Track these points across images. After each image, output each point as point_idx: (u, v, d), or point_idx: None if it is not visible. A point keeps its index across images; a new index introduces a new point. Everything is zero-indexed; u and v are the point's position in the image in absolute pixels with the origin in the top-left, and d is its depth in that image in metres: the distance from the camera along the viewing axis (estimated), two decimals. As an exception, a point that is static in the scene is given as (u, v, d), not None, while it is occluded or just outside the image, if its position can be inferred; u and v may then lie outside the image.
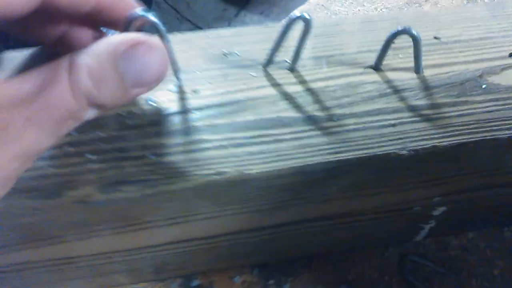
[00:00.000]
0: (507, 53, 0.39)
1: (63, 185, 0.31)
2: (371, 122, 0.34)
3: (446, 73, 0.37)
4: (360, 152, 0.33)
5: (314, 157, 0.33)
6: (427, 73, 0.37)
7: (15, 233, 0.34)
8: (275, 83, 0.36)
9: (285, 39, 0.36)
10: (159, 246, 0.40)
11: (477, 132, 0.34)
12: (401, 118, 0.35)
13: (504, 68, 0.37)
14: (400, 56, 0.39)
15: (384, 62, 0.38)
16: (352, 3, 0.67)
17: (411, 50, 0.36)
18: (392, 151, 0.33)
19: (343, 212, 0.38)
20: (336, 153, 0.33)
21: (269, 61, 0.37)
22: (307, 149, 0.33)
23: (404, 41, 0.39)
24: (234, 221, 0.38)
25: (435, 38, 0.40)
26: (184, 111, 0.34)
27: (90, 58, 0.24)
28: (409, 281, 0.45)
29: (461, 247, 0.47)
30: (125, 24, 0.29)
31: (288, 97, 0.35)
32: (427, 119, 0.35)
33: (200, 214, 0.36)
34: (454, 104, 0.35)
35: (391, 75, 0.37)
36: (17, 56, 0.36)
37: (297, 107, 0.35)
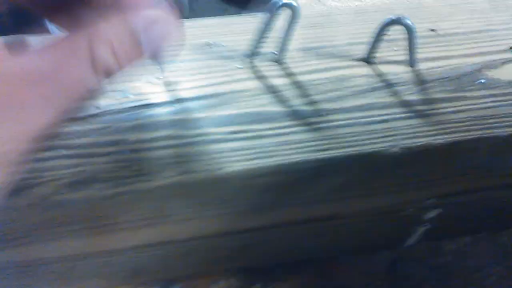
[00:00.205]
0: (507, 47, 0.36)
1: (30, 181, 0.29)
2: (361, 117, 0.32)
3: (442, 66, 0.35)
4: (349, 149, 0.31)
5: (300, 154, 0.30)
6: (422, 66, 0.35)
7: (-24, 234, 0.32)
8: (260, 75, 0.34)
9: (270, 28, 0.33)
10: (135, 248, 0.37)
11: (474, 130, 0.31)
12: (393, 113, 0.32)
13: (504, 62, 0.35)
14: (394, 48, 0.36)
15: (377, 55, 0.35)
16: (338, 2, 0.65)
17: (406, 43, 0.34)
18: (383, 148, 0.31)
19: (330, 214, 0.35)
20: (323, 150, 0.30)
21: (254, 52, 0.35)
22: (292, 146, 0.31)
23: (398, 33, 0.37)
24: (214, 223, 0.35)
25: (431, 30, 0.38)
26: (163, 104, 0.32)
27: (112, 32, 0.23)
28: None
29: (456, 252, 0.45)
30: None
31: (273, 90, 0.33)
32: (420, 115, 0.32)
33: (177, 215, 0.34)
34: (450, 99, 0.33)
35: (383, 68, 0.35)
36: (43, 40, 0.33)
37: (282, 101, 0.33)
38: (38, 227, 0.32)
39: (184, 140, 0.30)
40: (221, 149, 0.30)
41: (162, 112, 0.32)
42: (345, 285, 0.41)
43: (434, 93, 0.34)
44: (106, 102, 0.31)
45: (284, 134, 0.31)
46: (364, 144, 0.31)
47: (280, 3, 0.32)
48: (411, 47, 0.34)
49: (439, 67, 0.35)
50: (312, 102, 0.33)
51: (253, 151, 0.30)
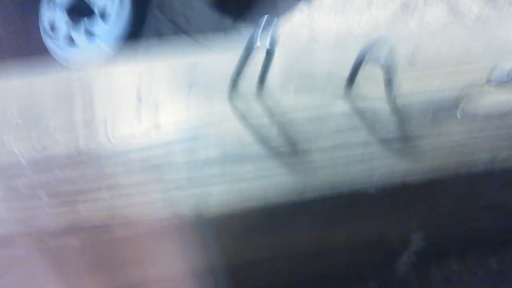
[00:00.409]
0: (485, 79, 0.37)
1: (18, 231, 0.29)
2: (339, 157, 0.32)
3: (419, 102, 0.35)
4: (327, 191, 0.31)
5: (278, 197, 0.31)
6: (399, 101, 0.35)
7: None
8: (240, 115, 0.34)
9: (247, 66, 0.34)
10: None
11: (450, 168, 0.32)
12: (370, 152, 0.33)
13: (481, 94, 0.35)
14: (372, 83, 0.37)
15: (355, 90, 0.36)
16: (336, 16, 0.65)
17: (383, 78, 0.34)
18: (360, 188, 0.31)
19: (314, 247, 0.36)
20: (301, 193, 0.31)
21: (233, 90, 0.35)
22: (271, 190, 0.31)
23: (376, 67, 0.37)
24: (198, 261, 0.36)
25: (409, 64, 0.38)
26: (144, 148, 0.32)
27: None
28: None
29: (445, 278, 0.45)
30: None
31: (253, 130, 0.34)
32: (397, 153, 0.33)
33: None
34: (427, 136, 0.33)
35: (361, 104, 0.35)
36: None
37: (262, 141, 0.33)
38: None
39: (165, 185, 0.31)
40: (201, 193, 0.31)
41: (143, 157, 0.32)
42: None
43: (411, 130, 0.34)
44: (88, 146, 0.32)
45: (263, 177, 0.31)
46: (341, 185, 0.31)
47: (255, 45, 0.32)
48: (388, 85, 0.34)
49: (416, 102, 0.35)
50: (291, 143, 0.33)
51: (232, 195, 0.31)
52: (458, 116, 0.34)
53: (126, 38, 2.04)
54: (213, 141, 0.33)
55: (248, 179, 0.31)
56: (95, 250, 0.31)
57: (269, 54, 0.32)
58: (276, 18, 0.33)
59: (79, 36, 1.98)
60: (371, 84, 0.37)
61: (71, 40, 1.98)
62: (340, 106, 0.35)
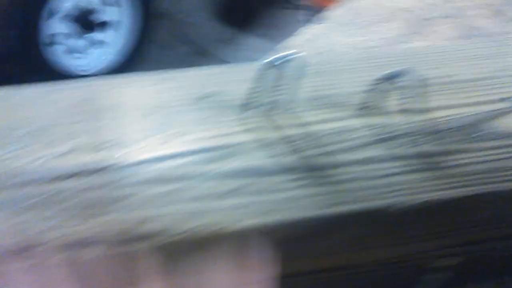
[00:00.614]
0: (507, 96, 0.36)
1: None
2: (361, 172, 0.32)
3: (442, 117, 0.35)
4: (352, 206, 0.30)
5: (301, 211, 0.30)
6: (421, 117, 0.35)
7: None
8: (262, 127, 0.34)
9: (263, 83, 0.34)
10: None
11: (474, 185, 0.31)
12: (394, 167, 0.32)
13: (505, 112, 0.35)
14: (395, 98, 0.36)
15: (378, 104, 0.35)
16: (343, 36, 0.65)
17: (406, 93, 0.34)
18: (383, 204, 0.31)
19: (337, 266, 0.35)
20: (325, 207, 0.30)
21: (250, 104, 0.35)
22: (293, 204, 0.30)
23: (400, 82, 0.37)
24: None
25: (426, 79, 0.38)
26: (158, 159, 0.32)
27: None
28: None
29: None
30: None
31: (275, 143, 0.33)
32: (420, 169, 0.32)
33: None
34: (450, 153, 0.33)
35: (384, 119, 0.35)
36: None
37: (284, 154, 0.32)
38: None
39: (180, 196, 0.30)
40: (222, 206, 0.30)
41: (157, 168, 0.31)
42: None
43: (433, 146, 0.33)
44: (103, 159, 0.31)
45: (284, 190, 0.31)
46: (366, 200, 0.30)
47: (269, 63, 0.32)
48: (411, 99, 0.34)
49: (438, 118, 0.35)
50: (314, 156, 0.32)
51: (254, 208, 0.30)
52: (482, 133, 0.34)
53: (131, 49, 2.06)
54: (230, 153, 0.32)
55: (265, 193, 0.31)
56: (115, 263, 0.30)
57: (281, 72, 0.32)
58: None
59: (84, 45, 1.99)
60: (395, 98, 0.36)
61: (75, 49, 1.98)
62: (364, 119, 0.35)
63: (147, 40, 2.10)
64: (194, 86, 0.37)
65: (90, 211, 0.29)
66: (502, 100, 0.36)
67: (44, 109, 0.35)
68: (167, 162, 0.32)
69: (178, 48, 2.17)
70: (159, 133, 0.33)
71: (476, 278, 0.43)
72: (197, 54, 2.07)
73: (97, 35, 2.01)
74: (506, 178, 0.32)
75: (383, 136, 0.34)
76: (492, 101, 0.36)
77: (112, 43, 2.04)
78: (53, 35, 1.89)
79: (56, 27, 1.90)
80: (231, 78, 0.38)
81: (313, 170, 0.31)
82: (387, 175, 0.31)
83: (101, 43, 2.04)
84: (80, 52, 1.99)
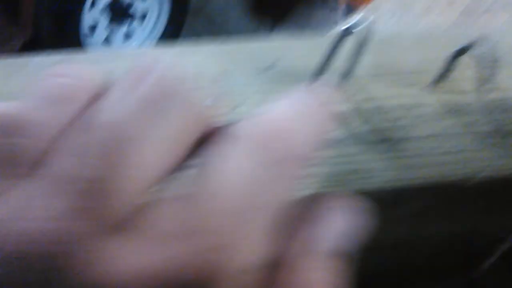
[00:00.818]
0: None
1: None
2: (431, 148, 0.31)
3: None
4: (421, 180, 0.29)
5: (368, 184, 0.29)
6: (491, 96, 0.34)
7: None
8: (325, 100, 0.33)
9: (336, 53, 0.33)
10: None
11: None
12: (464, 144, 0.31)
13: None
14: (461, 76, 0.35)
15: (443, 83, 0.34)
16: (397, 21, 0.64)
17: (474, 72, 0.33)
18: (455, 180, 0.30)
19: (397, 242, 0.34)
20: (393, 180, 0.29)
21: (317, 76, 0.34)
22: (360, 175, 0.30)
23: (465, 61, 0.36)
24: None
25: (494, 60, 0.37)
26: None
27: None
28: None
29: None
30: None
31: (340, 115, 0.32)
32: (492, 147, 0.31)
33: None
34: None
35: (451, 97, 0.34)
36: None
37: (347, 127, 0.32)
38: None
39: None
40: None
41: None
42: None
43: (505, 125, 0.32)
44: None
45: (351, 162, 0.30)
46: (435, 175, 0.30)
47: (348, 29, 0.31)
48: (480, 77, 0.33)
49: (508, 98, 0.34)
50: (379, 130, 0.32)
51: (318, 179, 0.29)
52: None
53: (167, 42, 2.08)
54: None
55: (338, 163, 0.30)
56: None
57: (363, 37, 0.31)
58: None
59: (117, 38, 2.03)
60: (465, 77, 0.35)
61: (109, 42, 2.02)
62: (430, 97, 0.34)
63: (182, 35, 2.12)
64: (259, 57, 0.36)
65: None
66: None
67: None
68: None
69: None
70: (225, 102, 0.33)
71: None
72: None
73: (134, 28, 2.04)
74: None
75: (456, 111, 0.33)
76: None
77: (148, 36, 2.07)
78: (93, 26, 1.93)
79: (96, 18, 1.94)
80: (293, 51, 0.37)
81: (384, 143, 0.31)
82: (460, 151, 0.30)
83: (138, 36, 2.07)
84: (117, 44, 2.02)
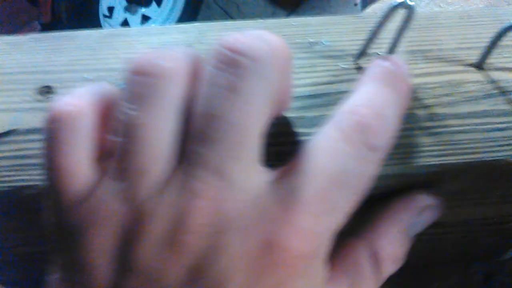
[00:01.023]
0: None
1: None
2: (476, 124, 0.31)
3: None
4: (466, 156, 0.30)
5: (414, 159, 0.30)
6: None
7: None
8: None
9: (382, 30, 0.33)
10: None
11: None
12: (510, 122, 0.31)
13: None
14: (505, 55, 0.35)
15: (489, 61, 0.34)
16: (428, 3, 0.63)
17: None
18: (502, 157, 0.30)
19: (438, 221, 0.34)
20: (439, 156, 0.30)
21: (361, 53, 0.34)
22: (406, 150, 0.30)
23: (508, 39, 0.36)
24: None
25: None
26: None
27: (389, 245, 0.26)
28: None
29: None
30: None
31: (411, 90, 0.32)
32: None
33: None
34: None
35: (495, 75, 0.34)
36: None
37: (392, 104, 0.32)
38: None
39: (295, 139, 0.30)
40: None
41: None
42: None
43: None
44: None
45: (401, 136, 0.30)
46: (481, 152, 0.30)
47: (396, 4, 0.31)
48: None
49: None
50: (424, 106, 0.32)
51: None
52: None
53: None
54: (340, 99, 0.32)
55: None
56: None
57: (410, 12, 0.31)
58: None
59: (135, 20, 2.03)
60: (503, 55, 0.35)
61: (126, 24, 2.02)
62: (473, 74, 0.34)
63: (200, 18, 2.12)
64: (301, 34, 0.36)
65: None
66: None
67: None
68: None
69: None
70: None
71: None
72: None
73: (152, 11, 2.04)
74: None
75: (496, 91, 0.33)
76: None
77: (166, 19, 2.07)
78: (112, 7, 1.93)
79: (115, 0, 1.94)
80: (335, 28, 0.37)
81: (425, 121, 0.31)
82: (506, 128, 0.30)
83: (155, 18, 2.07)
84: (135, 26, 2.02)
